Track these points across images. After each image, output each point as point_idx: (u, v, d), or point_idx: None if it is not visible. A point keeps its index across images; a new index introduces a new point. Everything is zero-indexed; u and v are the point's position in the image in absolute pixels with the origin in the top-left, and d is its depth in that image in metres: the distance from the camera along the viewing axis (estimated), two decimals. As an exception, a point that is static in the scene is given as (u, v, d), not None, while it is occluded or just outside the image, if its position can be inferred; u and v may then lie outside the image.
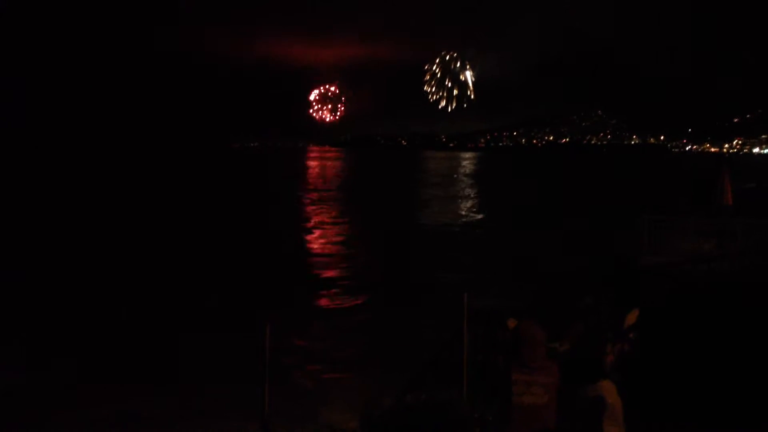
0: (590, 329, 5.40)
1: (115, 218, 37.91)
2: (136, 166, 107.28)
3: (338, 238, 33.19)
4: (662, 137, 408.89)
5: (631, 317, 5.49)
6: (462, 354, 6.61)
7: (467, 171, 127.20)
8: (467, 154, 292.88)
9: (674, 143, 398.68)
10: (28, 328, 14.76)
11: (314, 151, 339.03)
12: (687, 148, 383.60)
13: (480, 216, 44.76)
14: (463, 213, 46.93)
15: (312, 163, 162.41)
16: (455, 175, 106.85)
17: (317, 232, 35.44)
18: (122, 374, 11.85)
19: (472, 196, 64.99)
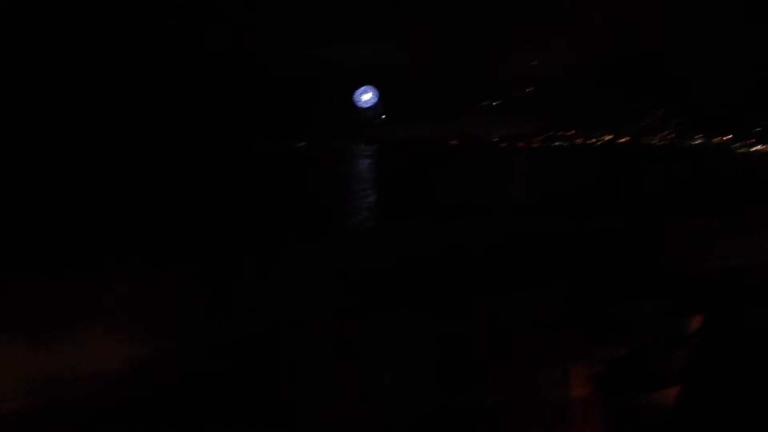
0: (646, 335, 5.21)
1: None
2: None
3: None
4: (731, 136, 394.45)
5: (695, 322, 5.26)
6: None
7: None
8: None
9: (741, 143, 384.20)
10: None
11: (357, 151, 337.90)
12: (753, 149, 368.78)
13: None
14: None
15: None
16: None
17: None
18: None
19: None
